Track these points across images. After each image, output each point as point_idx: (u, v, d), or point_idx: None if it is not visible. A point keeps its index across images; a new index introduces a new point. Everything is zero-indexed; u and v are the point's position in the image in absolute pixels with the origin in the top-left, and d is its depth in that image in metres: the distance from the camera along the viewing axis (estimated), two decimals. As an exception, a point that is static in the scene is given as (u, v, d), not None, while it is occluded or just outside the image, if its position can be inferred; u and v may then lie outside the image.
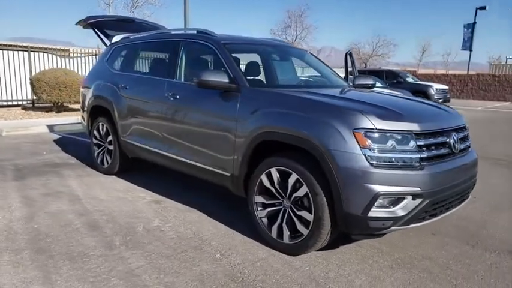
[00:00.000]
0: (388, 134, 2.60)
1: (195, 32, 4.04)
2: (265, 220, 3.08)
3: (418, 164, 2.63)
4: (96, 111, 5.03)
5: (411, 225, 2.67)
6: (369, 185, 2.52)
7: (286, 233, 2.91)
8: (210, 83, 3.29)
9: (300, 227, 2.83)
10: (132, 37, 4.95)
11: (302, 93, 3.25)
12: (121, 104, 4.52)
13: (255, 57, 4.11)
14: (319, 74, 4.44)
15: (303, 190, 2.78)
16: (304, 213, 2.80)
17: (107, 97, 4.73)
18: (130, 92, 4.43)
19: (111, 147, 4.79)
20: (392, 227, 2.62)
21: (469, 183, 3.07)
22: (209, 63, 4.21)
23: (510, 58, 42.13)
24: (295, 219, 2.86)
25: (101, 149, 5.01)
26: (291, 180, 2.84)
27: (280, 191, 2.96)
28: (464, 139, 3.14)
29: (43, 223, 3.36)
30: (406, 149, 2.62)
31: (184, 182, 4.67)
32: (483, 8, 30.92)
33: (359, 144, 2.55)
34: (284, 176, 2.91)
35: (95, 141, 5.08)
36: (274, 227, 2.99)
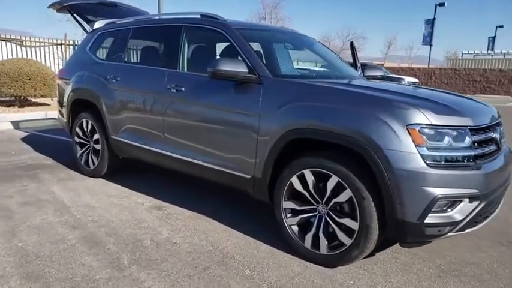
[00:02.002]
0: (444, 130, 2.31)
1: (199, 16, 3.58)
2: (295, 228, 2.73)
3: (473, 163, 2.36)
4: (79, 106, 4.47)
5: (467, 230, 2.41)
6: (427, 188, 2.22)
7: (323, 242, 2.58)
8: (226, 73, 2.87)
9: (341, 236, 2.50)
10: (119, 22, 4.40)
11: (339, 84, 2.90)
12: (111, 97, 4.00)
13: (267, 45, 3.70)
14: (326, 64, 4.10)
15: (345, 195, 2.44)
16: (346, 221, 2.47)
17: (92, 90, 4.18)
18: (122, 84, 3.91)
19: (98, 147, 4.26)
20: (449, 233, 2.35)
21: (508, 182, 2.84)
22: (218, 51, 3.77)
23: (465, 53, 43.79)
24: (335, 227, 2.53)
25: (85, 148, 4.46)
26: (331, 183, 2.50)
27: (315, 196, 2.61)
28: (502, 134, 2.92)
29: (29, 240, 2.84)
30: (462, 147, 2.34)
31: (183, 184, 4.23)
32: (442, 4, 32.00)
33: (414, 142, 2.25)
34: (321, 179, 2.56)
35: (77, 139, 4.51)
36: (308, 236, 2.65)
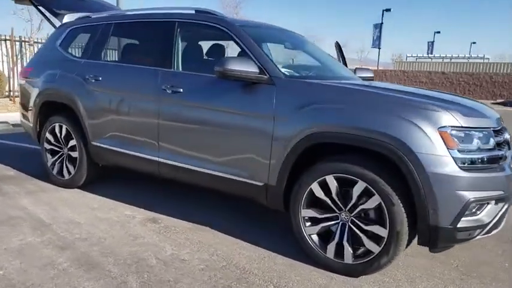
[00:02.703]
0: (472, 132, 2.27)
1: (193, 11, 3.32)
2: (315, 237, 2.58)
3: (497, 165, 2.34)
4: (50, 109, 4.03)
5: (492, 232, 2.39)
6: (460, 192, 2.17)
7: (348, 251, 2.45)
8: (236, 73, 2.67)
9: (368, 243, 2.39)
10: (96, 17, 4.01)
11: (361, 86, 2.78)
12: (91, 99, 3.62)
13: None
14: (321, 64, 3.97)
15: (374, 201, 2.33)
16: (375, 228, 2.36)
17: (67, 91, 3.77)
18: (105, 85, 3.55)
19: (74, 154, 3.85)
20: (477, 236, 2.31)
21: None
22: (220, 50, 3.53)
23: (409, 56, 46.20)
24: (362, 235, 2.41)
25: (58, 156, 4.02)
26: (357, 189, 2.37)
27: (338, 203, 2.47)
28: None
29: (11, 267, 2.46)
30: (488, 148, 2.32)
31: (172, 192, 3.95)
32: (388, 10, 33.62)
33: (446, 145, 2.18)
34: (345, 185, 2.43)
35: (48, 146, 4.06)
36: (331, 246, 2.50)
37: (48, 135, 4.02)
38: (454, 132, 2.21)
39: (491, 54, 42.69)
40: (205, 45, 3.74)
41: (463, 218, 2.20)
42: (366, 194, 2.36)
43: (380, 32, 34.73)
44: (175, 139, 3.16)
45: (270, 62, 2.81)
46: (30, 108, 4.19)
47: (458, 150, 2.19)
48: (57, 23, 4.37)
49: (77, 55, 4.06)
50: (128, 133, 3.45)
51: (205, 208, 3.57)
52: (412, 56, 44.82)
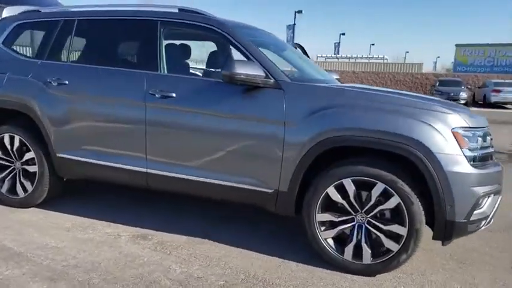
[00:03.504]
0: (476, 132, 2.47)
1: (176, 10, 3.11)
2: (331, 241, 2.59)
3: (492, 160, 2.59)
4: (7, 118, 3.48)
5: (491, 223, 2.62)
6: (473, 188, 2.35)
7: (366, 252, 2.50)
8: (243, 78, 2.57)
9: (387, 242, 2.46)
10: (48, 11, 3.55)
11: (373, 90, 2.84)
12: (55, 106, 3.19)
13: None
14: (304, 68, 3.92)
15: (393, 201, 2.41)
16: (394, 227, 2.44)
17: (22, 97, 3.28)
18: (74, 90, 3.15)
19: (33, 169, 3.37)
20: (482, 227, 2.52)
21: None
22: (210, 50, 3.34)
23: (319, 56, 48.97)
24: (381, 235, 2.48)
25: (8, 172, 3.48)
26: (376, 191, 2.43)
27: (355, 205, 2.51)
28: None
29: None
30: (486, 146, 2.54)
31: (147, 204, 3.67)
32: (300, 11, 35.23)
33: (459, 145, 2.34)
34: (362, 187, 2.48)
35: (-6, 161, 3.49)
36: (349, 248, 2.53)
37: (-6, 148, 3.45)
38: (464, 132, 2.37)
39: (388, 55, 46.99)
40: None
41: (474, 212, 2.38)
42: (384, 195, 2.43)
43: (293, 32, 36.18)
44: (167, 147, 2.94)
45: (274, 66, 2.74)
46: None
47: (468, 149, 2.36)
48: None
49: (28, 55, 3.54)
50: (105, 142, 3.12)
51: (194, 218, 3.37)
52: (321, 56, 47.45)
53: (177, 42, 3.41)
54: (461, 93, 19.87)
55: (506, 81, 22.23)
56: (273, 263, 2.65)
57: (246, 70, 2.56)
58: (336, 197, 2.52)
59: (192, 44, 3.69)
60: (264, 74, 2.63)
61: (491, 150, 2.57)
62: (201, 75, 3.50)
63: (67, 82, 3.17)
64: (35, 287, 2.26)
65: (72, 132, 3.18)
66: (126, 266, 2.54)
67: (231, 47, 3.07)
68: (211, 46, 3.72)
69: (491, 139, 2.68)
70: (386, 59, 45.31)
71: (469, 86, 23.57)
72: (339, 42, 51.52)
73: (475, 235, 3.17)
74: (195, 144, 2.85)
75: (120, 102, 3.03)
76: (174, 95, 2.86)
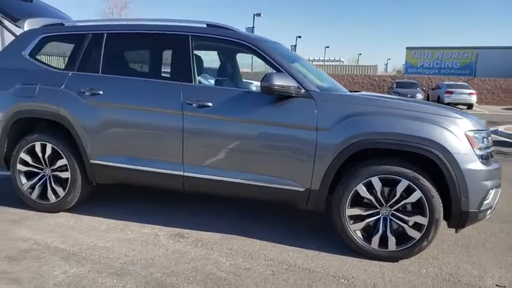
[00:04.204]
0: (482, 134, 2.88)
1: (205, 25, 3.37)
2: (359, 233, 2.93)
3: (493, 158, 3.01)
4: (25, 127, 3.60)
5: (493, 212, 3.04)
6: (484, 182, 2.76)
7: (392, 240, 2.86)
8: (279, 89, 2.88)
9: (410, 232, 2.83)
10: (74, 25, 3.72)
11: (392, 98, 3.20)
12: (90, 115, 3.36)
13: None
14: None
15: (415, 195, 2.78)
16: (417, 218, 2.81)
17: (57, 106, 3.42)
18: (110, 100, 3.34)
19: (65, 175, 3.51)
20: (488, 216, 2.94)
21: None
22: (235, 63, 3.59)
23: None
24: (404, 225, 2.84)
25: (38, 178, 3.60)
26: (400, 187, 2.80)
27: (380, 200, 2.86)
28: None
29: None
30: (489, 145, 2.96)
31: (171, 205, 3.88)
32: (259, 14, 35.78)
33: (471, 145, 2.74)
34: (388, 184, 2.83)
35: (23, 168, 3.59)
36: (375, 238, 2.88)
37: (24, 156, 3.57)
38: (474, 134, 2.78)
39: (342, 58, 48.49)
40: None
41: (483, 202, 2.79)
42: (407, 190, 2.79)
43: (252, 35, 36.47)
44: (204, 152, 3.18)
45: (302, 77, 3.06)
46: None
47: (478, 149, 2.77)
48: (17, 30, 3.89)
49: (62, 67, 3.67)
50: (141, 149, 3.32)
51: (221, 217, 3.62)
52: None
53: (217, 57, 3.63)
54: (417, 95, 20.90)
55: (458, 83, 23.93)
56: (308, 254, 2.96)
57: (281, 82, 2.86)
58: (364, 193, 2.86)
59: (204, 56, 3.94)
60: (296, 85, 2.94)
61: (492, 149, 3.00)
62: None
63: (101, 92, 3.35)
64: (106, 282, 2.46)
65: (107, 139, 3.36)
66: (178, 261, 2.77)
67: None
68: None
69: (491, 139, 3.11)
70: (342, 61, 46.51)
71: (424, 88, 24.96)
72: (296, 45, 52.62)
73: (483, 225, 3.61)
74: (231, 149, 3.11)
75: (157, 111, 3.24)
76: (210, 104, 3.11)
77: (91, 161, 3.42)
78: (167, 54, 3.44)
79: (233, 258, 2.84)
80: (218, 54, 4.05)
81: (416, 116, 2.82)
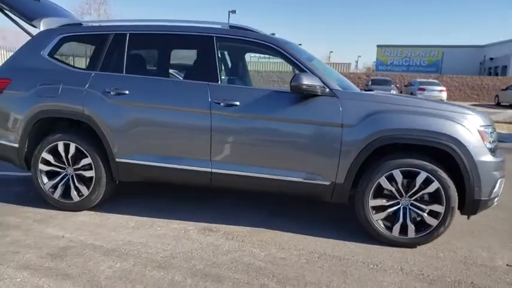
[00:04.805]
0: (490, 129, 3.16)
1: (228, 27, 3.50)
2: (381, 222, 3.15)
3: (498, 151, 3.30)
4: (47, 127, 3.63)
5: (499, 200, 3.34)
6: (494, 173, 3.04)
7: (411, 228, 3.09)
8: (307, 88, 3.06)
9: (428, 219, 3.07)
10: (93, 25, 3.77)
11: (410, 97, 3.43)
12: (116, 114, 3.43)
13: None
14: None
15: (433, 186, 3.02)
16: (434, 206, 3.05)
17: (81, 106, 3.46)
18: (136, 99, 3.41)
19: (89, 174, 3.56)
20: (495, 203, 3.22)
21: None
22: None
23: (252, 56, 50.00)
24: (423, 214, 3.08)
25: (60, 178, 3.64)
26: (420, 178, 3.03)
27: (401, 191, 3.09)
28: None
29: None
30: (495, 140, 3.24)
31: (185, 198, 4.00)
32: (234, 11, 35.97)
33: (483, 140, 3.01)
34: (407, 176, 3.06)
35: (45, 168, 3.62)
36: (396, 226, 3.11)
37: (47, 156, 3.59)
38: (484, 129, 3.05)
39: (315, 55, 49.26)
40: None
41: (493, 191, 3.06)
42: (426, 182, 3.03)
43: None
44: (232, 149, 3.31)
45: (326, 77, 3.25)
46: (11, 128, 3.66)
47: (488, 142, 3.04)
48: (30, 29, 3.90)
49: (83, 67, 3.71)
50: (168, 146, 3.42)
51: (241, 212, 3.77)
52: (254, 56, 48.46)
53: (235, 56, 3.76)
54: (391, 91, 21.67)
55: (429, 80, 25.07)
56: (334, 244, 3.16)
57: (309, 81, 3.05)
58: (386, 185, 3.08)
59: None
60: (322, 84, 3.13)
61: (497, 143, 3.28)
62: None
63: (127, 92, 3.43)
64: (154, 275, 2.57)
65: (133, 138, 3.44)
66: (215, 253, 2.91)
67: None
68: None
69: (496, 134, 3.41)
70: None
71: (397, 85, 25.88)
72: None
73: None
74: (258, 146, 3.27)
75: (184, 111, 3.35)
76: (237, 103, 3.25)
77: (117, 160, 3.49)
78: (192, 55, 3.54)
79: (266, 249, 3.01)
80: (229, 53, 4.17)
81: (434, 113, 3.06)
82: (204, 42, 3.44)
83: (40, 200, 3.71)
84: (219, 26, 3.52)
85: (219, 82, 3.37)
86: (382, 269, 2.77)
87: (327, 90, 3.16)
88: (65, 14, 4.66)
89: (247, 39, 3.44)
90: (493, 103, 25.77)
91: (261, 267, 2.73)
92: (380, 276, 2.66)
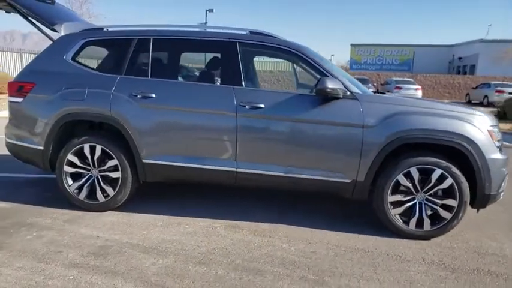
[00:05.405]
0: (496, 128, 3.43)
1: (248, 32, 3.66)
2: (398, 216, 3.38)
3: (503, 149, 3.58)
4: (72, 129, 3.71)
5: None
6: (502, 169, 3.31)
7: (427, 221, 3.33)
8: (331, 91, 3.25)
9: (443, 213, 3.32)
10: (117, 30, 3.85)
11: (421, 99, 3.65)
12: (143, 117, 3.54)
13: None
14: None
15: (447, 182, 3.27)
16: (448, 201, 3.30)
17: (109, 109, 3.55)
18: (163, 103, 3.53)
19: (115, 175, 3.66)
20: (501, 197, 3.50)
21: None
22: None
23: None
24: (438, 208, 3.32)
25: (85, 179, 3.72)
26: (435, 175, 3.27)
27: (417, 187, 3.33)
28: None
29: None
30: (500, 138, 3.51)
31: (202, 198, 4.14)
32: (211, 10, 36.02)
33: (492, 139, 3.28)
34: (423, 173, 3.30)
35: (70, 170, 3.69)
36: (413, 220, 3.35)
37: (72, 158, 3.67)
38: (493, 129, 3.32)
39: None
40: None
41: (501, 186, 3.33)
42: (440, 178, 3.27)
43: (205, 31, 36.60)
44: (257, 149, 3.47)
45: (346, 81, 3.45)
46: (36, 130, 3.72)
47: (497, 141, 3.31)
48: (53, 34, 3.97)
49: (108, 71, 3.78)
50: (194, 147, 3.55)
51: (260, 209, 3.93)
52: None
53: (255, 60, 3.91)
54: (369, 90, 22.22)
55: (405, 79, 25.90)
56: (356, 238, 3.37)
57: (333, 85, 3.24)
58: (404, 182, 3.31)
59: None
60: (343, 88, 3.33)
61: (502, 141, 3.56)
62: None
63: (154, 95, 3.54)
64: (198, 270, 2.71)
65: (160, 139, 3.56)
66: (248, 249, 3.07)
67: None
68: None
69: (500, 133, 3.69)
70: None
71: (375, 84, 26.54)
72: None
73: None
74: (283, 146, 3.44)
75: (210, 113, 3.49)
76: (262, 105, 3.42)
77: (144, 161, 3.60)
78: (216, 59, 3.68)
79: (295, 244, 3.19)
80: (249, 58, 4.28)
81: (447, 114, 3.31)
82: (228, 48, 3.58)
83: (61, 200, 3.79)
84: (240, 32, 3.66)
85: (243, 86, 3.52)
86: (406, 259, 3.00)
87: (348, 93, 3.36)
88: (78, 18, 4.72)
89: (269, 44, 3.60)
90: (464, 101, 26.72)
91: (295, 260, 2.91)
92: (406, 266, 2.88)
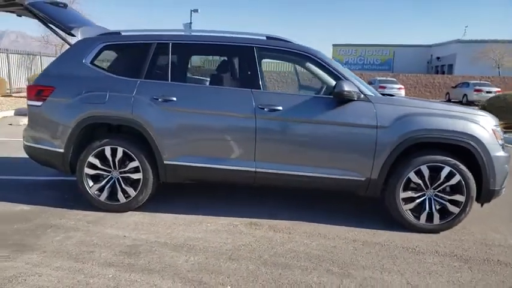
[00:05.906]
0: (499, 128, 3.66)
1: (264, 37, 3.81)
2: (409, 212, 3.58)
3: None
4: (92, 132, 3.80)
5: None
6: (506, 166, 3.54)
7: (436, 216, 3.55)
8: (348, 94, 3.43)
9: (451, 208, 3.54)
10: (133, 34, 3.95)
11: (432, 101, 3.85)
12: (164, 120, 3.65)
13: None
14: None
15: (456, 178, 3.49)
16: (456, 196, 3.52)
17: (131, 112, 3.64)
18: (183, 106, 3.64)
19: (136, 176, 3.76)
20: (503, 192, 3.74)
21: None
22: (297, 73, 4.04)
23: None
24: (447, 203, 3.54)
25: (106, 181, 3.81)
26: (444, 172, 3.49)
27: (427, 184, 3.54)
28: None
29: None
30: (503, 137, 3.75)
31: (220, 196, 4.28)
32: (196, 10, 36.02)
33: (496, 138, 3.51)
34: (433, 170, 3.51)
35: (91, 172, 3.77)
36: (423, 215, 3.56)
37: (93, 160, 3.76)
38: (496, 128, 3.55)
39: None
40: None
41: (504, 182, 3.57)
42: (449, 175, 3.49)
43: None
44: (275, 150, 3.62)
45: (361, 84, 3.63)
46: (56, 133, 3.79)
47: (500, 140, 3.54)
48: (71, 38, 4.04)
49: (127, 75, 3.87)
50: (214, 148, 3.68)
51: (271, 207, 4.09)
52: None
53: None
54: None
55: (388, 78, 26.55)
56: (371, 233, 3.55)
57: (349, 88, 3.42)
58: (415, 179, 3.52)
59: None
60: (358, 90, 3.51)
61: (504, 140, 3.80)
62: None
63: (175, 98, 3.66)
64: (229, 266, 2.84)
65: (180, 141, 3.67)
66: (272, 245, 3.22)
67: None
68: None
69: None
70: (275, 58, 48.06)
71: None
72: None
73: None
74: (300, 146, 3.61)
75: (230, 116, 3.62)
76: (280, 108, 3.57)
77: (165, 162, 3.71)
78: (236, 63, 3.82)
79: (315, 240, 3.36)
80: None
81: (455, 115, 3.52)
82: (246, 52, 3.73)
83: (80, 202, 3.87)
84: (257, 37, 3.81)
85: (261, 89, 3.67)
86: (420, 252, 3.20)
87: (362, 95, 3.54)
88: (89, 22, 4.78)
89: (285, 49, 3.76)
90: (444, 100, 27.43)
91: (319, 255, 3.08)
92: (422, 258, 3.08)
